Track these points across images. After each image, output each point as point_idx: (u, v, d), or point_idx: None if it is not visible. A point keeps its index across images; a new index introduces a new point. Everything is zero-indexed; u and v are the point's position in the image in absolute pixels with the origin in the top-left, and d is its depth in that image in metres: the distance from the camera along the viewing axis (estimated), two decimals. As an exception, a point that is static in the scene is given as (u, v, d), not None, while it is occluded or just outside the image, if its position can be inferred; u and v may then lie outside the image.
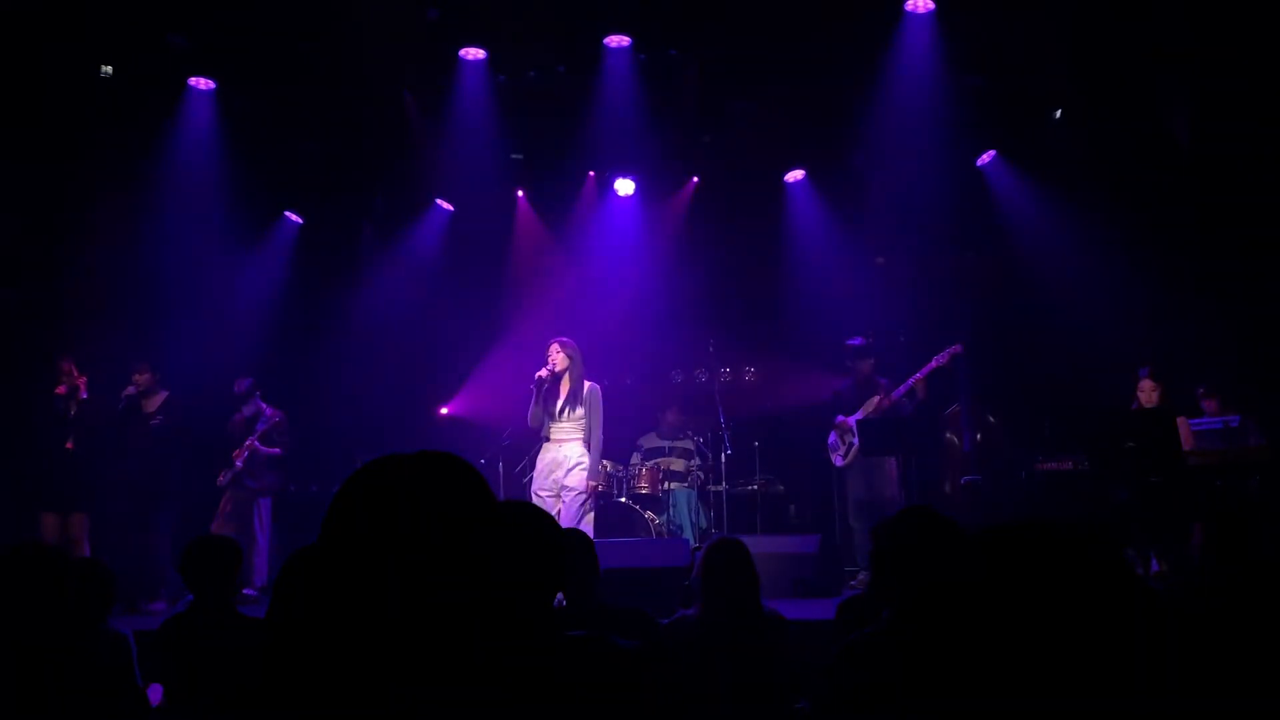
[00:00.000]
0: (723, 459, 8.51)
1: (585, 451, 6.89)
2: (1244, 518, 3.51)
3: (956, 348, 7.55)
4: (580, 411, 6.92)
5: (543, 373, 6.88)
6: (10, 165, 7.58)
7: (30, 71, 7.38)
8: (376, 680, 1.21)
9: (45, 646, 2.99)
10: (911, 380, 7.56)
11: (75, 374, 7.11)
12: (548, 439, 6.98)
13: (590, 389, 6.95)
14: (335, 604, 1.23)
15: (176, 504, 7.41)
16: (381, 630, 1.21)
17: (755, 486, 8.83)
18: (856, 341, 7.89)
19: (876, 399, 7.67)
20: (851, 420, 7.67)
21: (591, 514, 6.99)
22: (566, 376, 6.93)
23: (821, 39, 7.92)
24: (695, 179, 9.89)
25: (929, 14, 8.06)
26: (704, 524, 8.58)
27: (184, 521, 7.32)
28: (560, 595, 3.25)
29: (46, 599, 3.10)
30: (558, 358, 6.90)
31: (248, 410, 7.92)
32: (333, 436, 9.03)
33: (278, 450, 7.82)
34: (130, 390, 7.34)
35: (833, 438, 7.86)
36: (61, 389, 7.08)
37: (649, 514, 8.04)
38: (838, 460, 7.81)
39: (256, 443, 7.70)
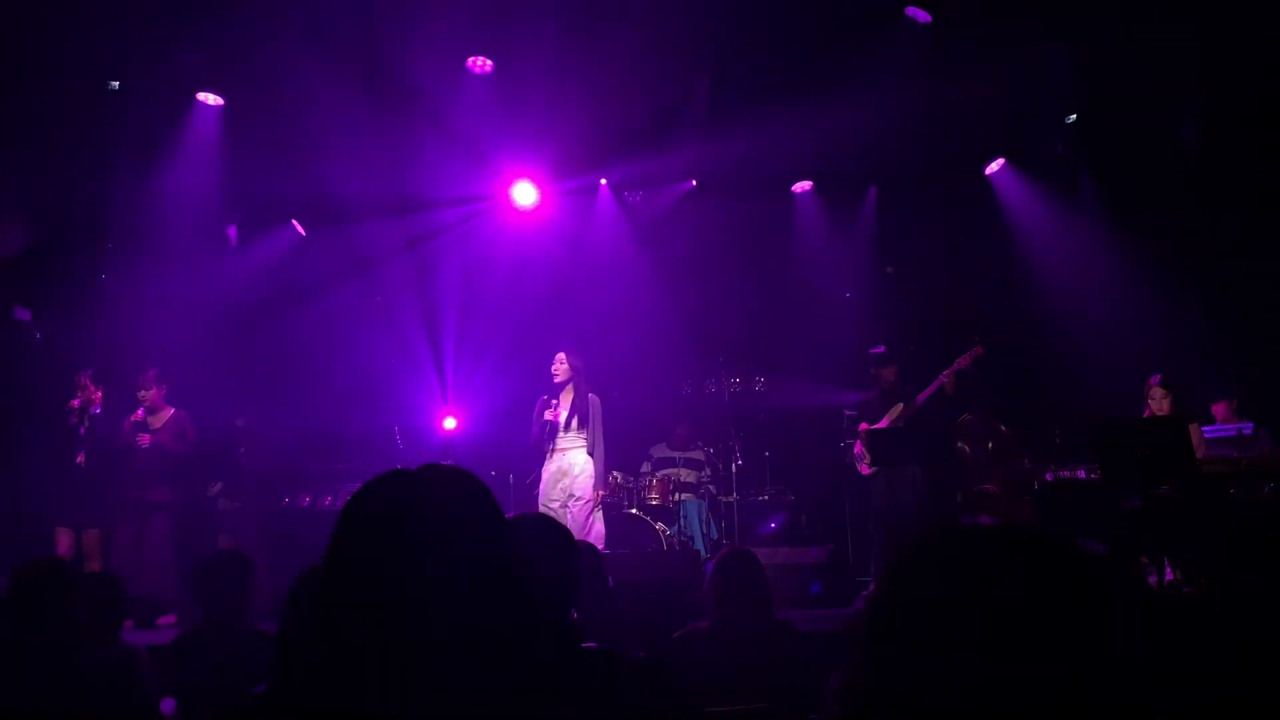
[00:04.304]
0: (733, 469, 8.49)
1: (590, 459, 6.94)
2: (1260, 527, 3.48)
3: (978, 349, 7.48)
4: (584, 423, 6.98)
5: (549, 416, 7.03)
6: (20, 182, 7.62)
7: (39, 87, 7.43)
8: (386, 696, 1.20)
9: (58, 660, 3.00)
10: (935, 383, 7.47)
11: (91, 388, 7.10)
12: (552, 450, 7.05)
13: (592, 401, 7.06)
14: (344, 620, 1.23)
15: (180, 518, 7.37)
16: (391, 647, 1.21)
17: (766, 497, 8.81)
18: (880, 349, 7.75)
19: (901, 406, 7.61)
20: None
21: (600, 524, 7.01)
22: (571, 389, 7.01)
23: (828, 50, 7.93)
24: (696, 183, 9.87)
25: (934, 23, 8.06)
26: (715, 535, 8.57)
27: (188, 536, 7.32)
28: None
29: (60, 613, 3.11)
30: (562, 367, 6.99)
31: (240, 423, 7.95)
32: (340, 451, 9.02)
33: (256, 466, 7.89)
34: (135, 417, 7.26)
35: (859, 447, 7.71)
36: (75, 403, 7.08)
37: (660, 525, 8.02)
38: (864, 469, 7.69)
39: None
